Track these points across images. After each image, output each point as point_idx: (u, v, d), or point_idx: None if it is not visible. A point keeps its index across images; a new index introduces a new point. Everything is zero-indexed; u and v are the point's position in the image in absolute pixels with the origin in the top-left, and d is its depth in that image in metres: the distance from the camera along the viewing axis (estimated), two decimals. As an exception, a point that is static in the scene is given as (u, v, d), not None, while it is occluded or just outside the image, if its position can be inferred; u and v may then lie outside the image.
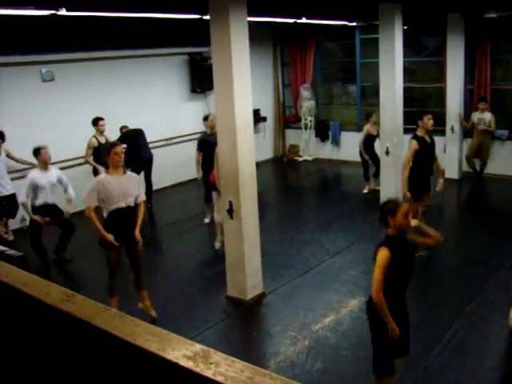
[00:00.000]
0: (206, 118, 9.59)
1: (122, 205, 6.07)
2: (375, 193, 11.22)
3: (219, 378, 0.96)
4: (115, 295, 6.35)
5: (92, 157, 9.95)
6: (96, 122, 9.89)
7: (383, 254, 4.19)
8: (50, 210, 8.12)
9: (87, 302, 1.23)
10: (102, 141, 9.89)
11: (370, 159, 11.62)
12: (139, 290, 6.55)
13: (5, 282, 1.34)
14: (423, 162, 7.68)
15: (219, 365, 1.00)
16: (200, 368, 1.00)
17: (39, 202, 8.03)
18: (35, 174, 8.01)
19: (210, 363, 1.01)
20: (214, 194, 8.51)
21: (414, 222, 4.75)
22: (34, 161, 8.57)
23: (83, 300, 1.24)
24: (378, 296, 4.18)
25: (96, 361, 1.24)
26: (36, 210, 8.07)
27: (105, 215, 6.12)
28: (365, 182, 11.82)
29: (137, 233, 6.27)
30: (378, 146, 10.85)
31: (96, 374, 1.27)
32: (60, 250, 8.50)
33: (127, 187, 6.13)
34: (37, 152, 8.01)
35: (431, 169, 7.91)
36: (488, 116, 11.87)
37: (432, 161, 7.89)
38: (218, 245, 8.64)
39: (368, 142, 11.49)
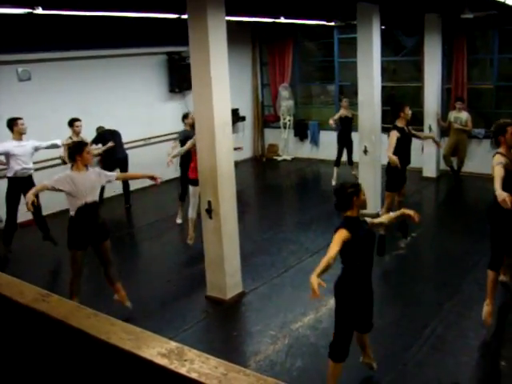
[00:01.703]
0: (186, 117, 9.59)
1: (90, 200, 6.07)
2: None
3: (193, 375, 0.97)
4: (76, 295, 6.30)
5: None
6: (72, 122, 9.73)
7: (341, 233, 4.37)
8: (26, 182, 8.34)
9: (62, 301, 1.23)
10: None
11: (345, 144, 12.08)
12: (113, 283, 6.58)
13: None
14: (401, 153, 7.82)
15: (193, 362, 1.01)
16: (174, 365, 1.00)
17: (15, 172, 8.36)
18: (8, 143, 8.33)
19: (185, 360, 1.01)
20: (191, 189, 8.47)
21: (393, 214, 5.05)
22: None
23: (58, 300, 1.23)
24: (331, 257, 4.29)
25: (71, 360, 1.23)
26: (13, 180, 8.41)
27: (72, 213, 6.07)
28: (334, 168, 12.16)
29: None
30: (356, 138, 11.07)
31: (71, 373, 1.26)
32: (43, 227, 8.79)
33: (93, 182, 6.16)
34: (13, 122, 8.33)
35: (409, 159, 8.12)
36: (465, 115, 12.02)
37: (409, 151, 8.11)
38: (190, 242, 8.64)
39: (345, 125, 12.00)
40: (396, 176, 8.00)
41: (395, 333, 6.10)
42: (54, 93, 10.68)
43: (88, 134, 10.13)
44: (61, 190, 5.99)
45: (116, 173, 6.69)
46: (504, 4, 7.36)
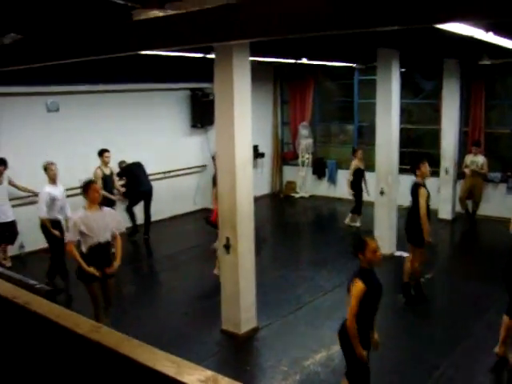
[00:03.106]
0: None
1: (102, 240, 6.26)
2: (354, 228, 12.12)
3: (226, 398, 1.15)
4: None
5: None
6: (102, 153, 10.07)
7: (358, 287, 4.55)
8: (58, 225, 8.51)
9: (111, 332, 1.41)
10: (107, 172, 10.11)
11: (356, 194, 12.16)
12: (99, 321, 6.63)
13: (38, 312, 1.52)
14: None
15: None
16: None
17: (53, 214, 8.44)
18: (49, 188, 8.43)
19: None
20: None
21: None
22: (36, 189, 8.89)
23: (108, 331, 1.41)
24: (352, 324, 4.55)
25: (122, 383, 1.41)
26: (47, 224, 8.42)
27: (84, 250, 6.25)
28: (357, 216, 12.33)
29: (116, 264, 6.45)
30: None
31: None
32: (52, 275, 8.70)
33: (106, 222, 6.35)
34: (45, 168, 8.49)
35: (429, 215, 7.94)
36: (481, 159, 12.14)
37: (429, 208, 7.95)
38: (217, 270, 8.77)
39: (357, 176, 12.08)
40: (421, 231, 7.87)
41: (405, 373, 6.16)
42: (81, 124, 11.01)
43: (112, 165, 10.42)
44: (82, 231, 6.18)
45: (120, 230, 6.74)
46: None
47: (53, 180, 8.49)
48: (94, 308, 6.45)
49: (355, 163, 12.03)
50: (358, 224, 12.20)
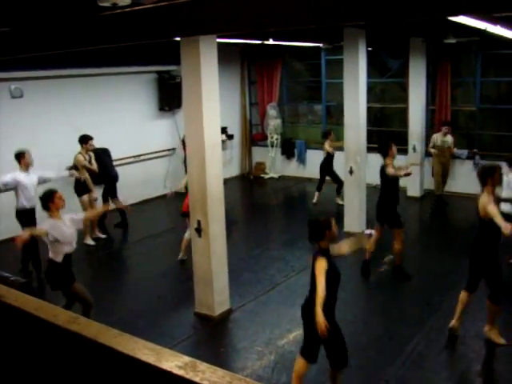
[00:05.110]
0: None
1: (74, 246, 6.22)
2: (339, 207, 11.95)
3: (205, 383, 1.18)
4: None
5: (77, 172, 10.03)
6: (86, 140, 9.87)
7: (322, 263, 4.66)
8: (30, 214, 8.25)
9: (90, 322, 1.42)
10: (87, 158, 10.00)
11: (331, 177, 12.34)
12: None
13: (14, 305, 1.52)
14: (394, 189, 7.98)
15: (205, 372, 1.23)
16: (190, 375, 1.22)
17: (23, 203, 8.27)
18: (19, 175, 8.31)
19: (198, 371, 1.22)
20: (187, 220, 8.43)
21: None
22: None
23: (86, 321, 1.42)
24: (323, 291, 4.58)
25: (103, 372, 1.42)
26: (20, 213, 8.30)
27: (59, 259, 6.09)
28: (316, 192, 12.65)
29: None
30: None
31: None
32: (26, 261, 8.58)
33: (73, 229, 6.25)
34: (20, 155, 8.33)
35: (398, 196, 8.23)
36: (450, 139, 12.07)
37: (398, 187, 8.22)
38: (180, 255, 8.97)
39: (329, 160, 12.06)
40: (396, 211, 8.12)
41: (378, 349, 6.28)
42: (46, 110, 10.84)
43: (77, 151, 10.27)
44: (56, 239, 6.05)
45: (82, 214, 6.68)
46: (485, 31, 7.64)
47: (26, 167, 8.35)
48: (84, 309, 6.22)
49: (330, 146, 12.10)
50: (341, 202, 12.25)
